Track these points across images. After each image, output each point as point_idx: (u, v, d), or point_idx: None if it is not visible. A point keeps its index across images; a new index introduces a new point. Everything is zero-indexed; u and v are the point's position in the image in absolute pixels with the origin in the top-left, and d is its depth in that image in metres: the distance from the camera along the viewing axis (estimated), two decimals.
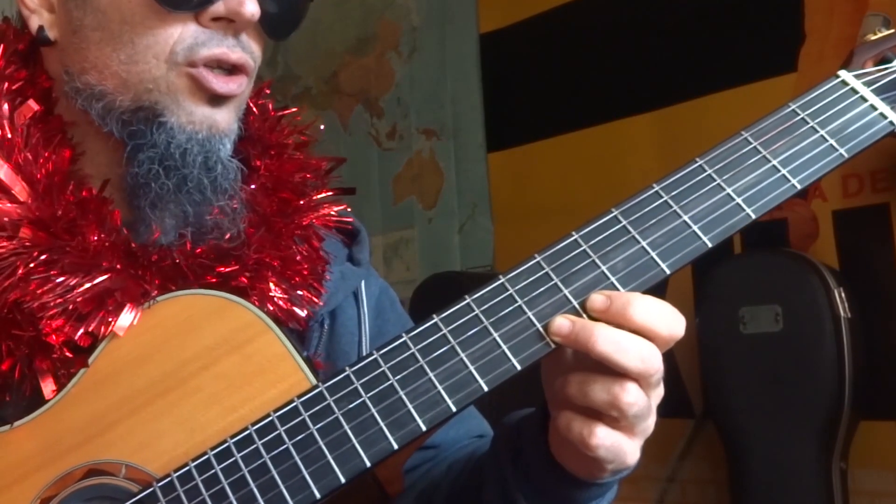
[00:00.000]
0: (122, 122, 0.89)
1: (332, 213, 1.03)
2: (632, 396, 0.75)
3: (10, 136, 0.86)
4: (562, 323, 0.76)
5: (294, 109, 1.07)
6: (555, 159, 2.96)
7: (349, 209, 1.06)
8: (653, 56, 2.74)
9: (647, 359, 0.75)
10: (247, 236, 0.93)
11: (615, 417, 0.75)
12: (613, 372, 0.75)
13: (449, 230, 3.27)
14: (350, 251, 1.06)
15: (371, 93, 3.52)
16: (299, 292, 0.94)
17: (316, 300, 0.96)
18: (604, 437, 0.76)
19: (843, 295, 2.21)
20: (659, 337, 0.76)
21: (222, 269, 0.90)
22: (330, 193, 1.04)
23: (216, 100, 0.90)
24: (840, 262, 2.34)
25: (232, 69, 0.90)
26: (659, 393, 0.78)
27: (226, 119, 0.91)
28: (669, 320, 0.76)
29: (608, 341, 0.74)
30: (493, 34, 3.16)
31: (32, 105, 0.89)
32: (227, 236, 0.92)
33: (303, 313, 0.94)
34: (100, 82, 0.89)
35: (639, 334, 0.75)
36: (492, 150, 3.16)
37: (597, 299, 0.76)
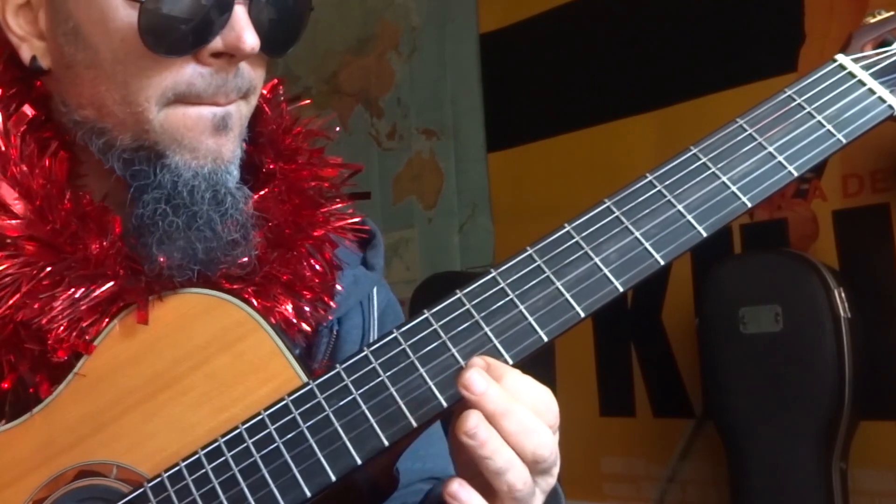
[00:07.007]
0: (123, 160, 0.85)
1: (347, 224, 0.99)
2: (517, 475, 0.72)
3: (3, 148, 0.83)
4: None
5: (312, 118, 1.03)
6: (555, 159, 2.95)
7: (366, 217, 1.03)
8: (653, 56, 2.73)
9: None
10: (256, 248, 0.90)
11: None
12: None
13: (449, 230, 3.27)
14: (364, 255, 1.03)
15: (371, 93, 3.52)
16: (307, 308, 0.91)
17: (324, 313, 0.93)
18: None
19: (843, 295, 2.21)
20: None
21: (227, 285, 0.87)
22: (344, 203, 1.00)
23: (217, 127, 0.86)
24: (840, 262, 2.34)
25: None
26: (549, 481, 0.75)
27: (230, 148, 0.87)
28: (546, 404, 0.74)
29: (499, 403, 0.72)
30: (493, 34, 3.15)
31: (27, 111, 0.86)
32: (240, 261, 0.88)
33: (308, 329, 0.91)
34: (99, 119, 0.85)
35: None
36: (492, 150, 3.16)
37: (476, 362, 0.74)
